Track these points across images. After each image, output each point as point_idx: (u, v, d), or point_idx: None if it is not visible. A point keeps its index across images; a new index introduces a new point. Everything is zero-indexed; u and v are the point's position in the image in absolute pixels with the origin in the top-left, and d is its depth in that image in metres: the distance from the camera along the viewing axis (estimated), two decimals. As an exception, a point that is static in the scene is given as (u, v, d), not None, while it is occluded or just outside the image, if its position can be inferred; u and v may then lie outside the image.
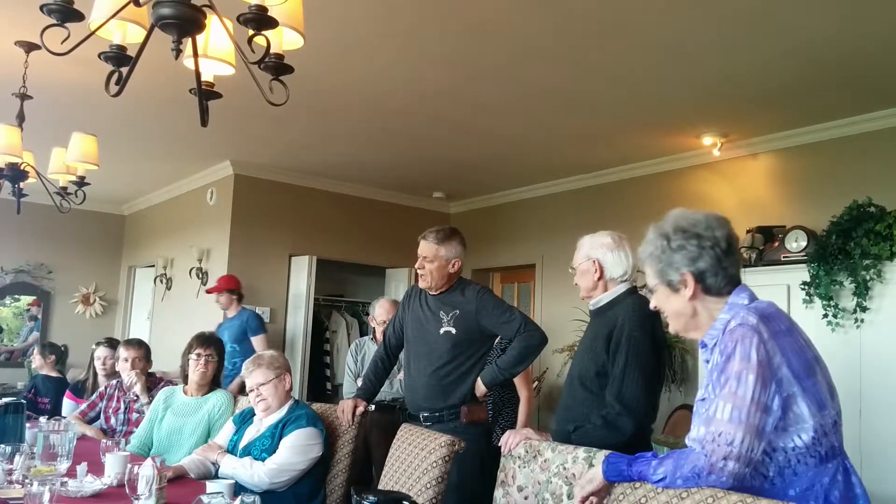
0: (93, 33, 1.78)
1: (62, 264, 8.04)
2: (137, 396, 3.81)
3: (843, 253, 3.91)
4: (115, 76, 1.96)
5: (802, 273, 4.07)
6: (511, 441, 2.16)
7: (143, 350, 3.96)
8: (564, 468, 1.95)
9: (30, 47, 3.58)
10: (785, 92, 4.11)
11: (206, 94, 2.14)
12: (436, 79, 4.13)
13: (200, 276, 6.45)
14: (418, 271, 3.11)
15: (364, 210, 6.92)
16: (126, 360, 3.87)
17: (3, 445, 2.36)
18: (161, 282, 7.22)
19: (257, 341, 5.41)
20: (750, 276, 4.37)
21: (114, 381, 3.99)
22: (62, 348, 5.39)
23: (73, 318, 8.12)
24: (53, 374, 5.11)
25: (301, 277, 6.31)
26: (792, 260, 4.21)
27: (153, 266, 7.57)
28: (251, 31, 1.75)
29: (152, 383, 3.88)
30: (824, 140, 4.69)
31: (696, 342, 4.90)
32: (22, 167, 3.56)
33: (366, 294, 7.37)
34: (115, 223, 8.46)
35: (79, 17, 1.73)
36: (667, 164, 5.58)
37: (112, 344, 4.30)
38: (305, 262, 6.30)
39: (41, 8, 1.69)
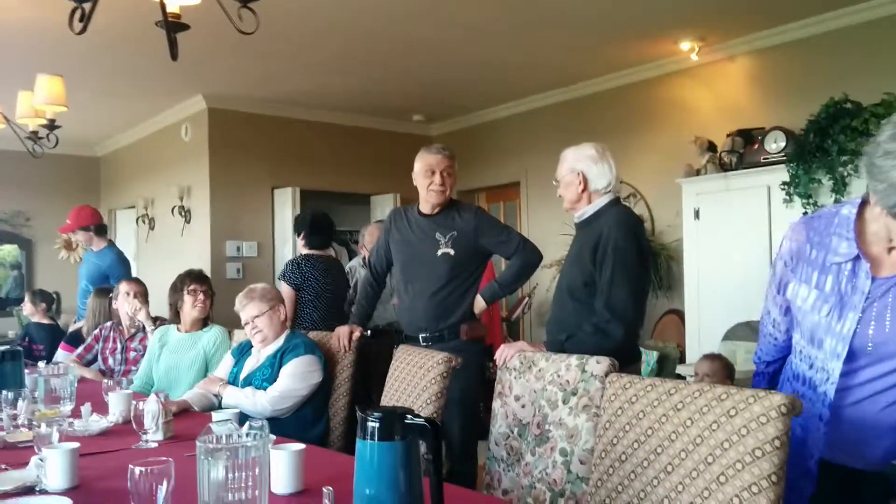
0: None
1: (40, 211, 7.93)
2: (143, 325, 3.84)
3: (820, 151, 3.94)
4: (79, 13, 1.91)
5: (782, 174, 4.11)
6: (506, 354, 2.22)
7: (142, 287, 3.99)
8: (558, 375, 2.01)
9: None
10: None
11: (173, 26, 2.09)
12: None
13: (183, 213, 6.40)
14: (435, 188, 3.02)
15: (344, 137, 6.83)
16: (127, 294, 3.89)
17: (4, 391, 2.39)
18: (143, 222, 7.17)
19: None
20: (731, 180, 4.42)
21: (108, 323, 4.02)
22: (53, 295, 5.39)
23: (58, 265, 8.07)
24: (46, 321, 5.13)
25: (285, 210, 6.28)
26: (771, 161, 4.24)
27: (133, 207, 7.49)
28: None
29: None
30: (800, 39, 4.65)
31: (681, 248, 4.95)
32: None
33: (352, 222, 7.37)
34: (89, 165, 8.31)
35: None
36: (645, 72, 5.52)
37: (101, 292, 4.31)
38: (289, 193, 6.26)
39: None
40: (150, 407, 2.16)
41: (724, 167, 4.53)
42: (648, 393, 1.50)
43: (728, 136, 4.62)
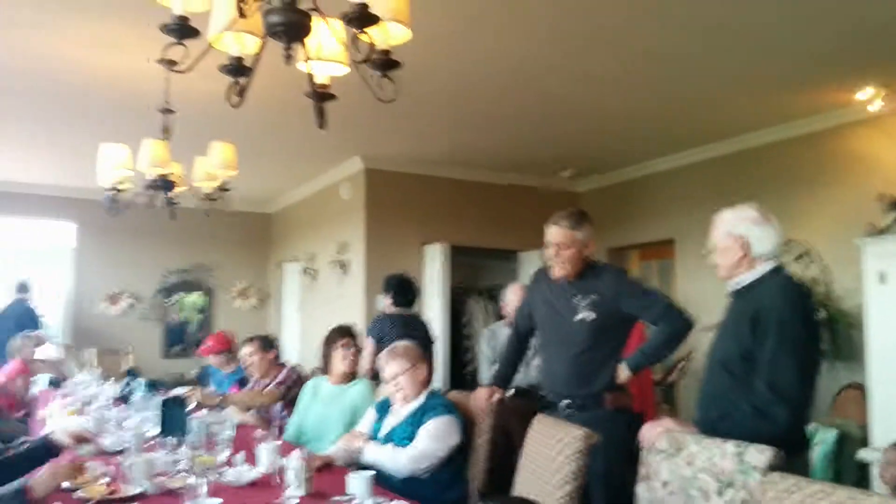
0: (209, 48, 1.85)
1: (219, 263, 8.67)
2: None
3: None
4: (236, 88, 2.04)
5: None
6: (651, 434, 2.06)
7: (257, 343, 4.23)
8: (713, 463, 1.83)
9: (169, 64, 3.81)
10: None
11: (320, 96, 2.18)
12: (542, 55, 4.01)
13: (341, 267, 6.71)
14: (551, 261, 2.96)
15: (492, 194, 6.90)
16: (250, 355, 4.15)
17: (169, 437, 2.55)
18: (307, 274, 7.60)
19: None
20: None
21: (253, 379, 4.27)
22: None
23: (234, 311, 8.76)
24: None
25: (434, 265, 6.40)
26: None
27: (299, 261, 7.98)
28: (355, 30, 1.76)
29: (277, 370, 4.13)
30: None
31: (860, 314, 4.45)
32: (171, 178, 3.82)
33: (499, 278, 7.36)
34: (263, 222, 8.99)
35: (194, 33, 1.80)
36: (815, 124, 5.11)
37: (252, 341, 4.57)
38: (438, 249, 6.38)
39: (161, 28, 1.78)
40: (293, 463, 2.22)
41: (914, 232, 4.05)
42: (820, 501, 1.31)
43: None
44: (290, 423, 3.69)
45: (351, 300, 6.59)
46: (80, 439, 2.20)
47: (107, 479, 2.27)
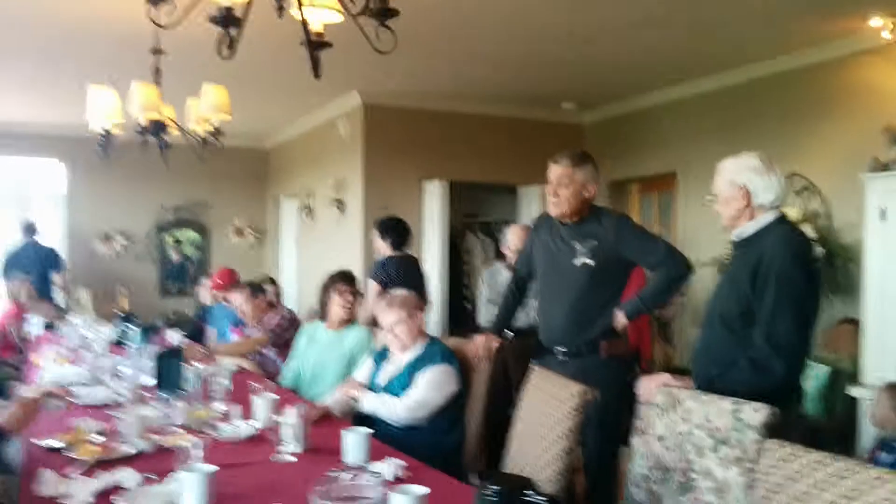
0: (195, 3, 1.75)
1: (216, 199, 8.57)
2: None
3: None
4: (227, 39, 1.94)
5: None
6: (648, 389, 2.05)
7: (247, 290, 4.35)
8: (708, 420, 1.82)
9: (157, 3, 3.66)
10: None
11: (315, 44, 2.09)
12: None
13: (338, 205, 6.64)
14: (551, 199, 2.93)
15: (492, 128, 6.74)
16: (241, 304, 4.17)
17: (161, 394, 2.55)
18: (304, 212, 7.53)
19: None
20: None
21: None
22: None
23: (231, 248, 8.73)
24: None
25: (434, 202, 6.33)
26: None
27: (296, 196, 7.89)
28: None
29: (270, 314, 4.21)
30: None
31: (861, 249, 4.39)
32: (163, 122, 3.72)
33: (499, 213, 7.30)
34: (260, 157, 8.84)
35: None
36: (824, 53, 4.93)
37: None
38: (437, 186, 6.29)
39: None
40: (290, 420, 2.22)
41: (920, 165, 3.96)
42: (815, 472, 1.29)
43: (925, 125, 4.04)
44: (287, 369, 3.71)
45: (349, 239, 6.55)
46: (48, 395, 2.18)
47: (101, 440, 2.27)
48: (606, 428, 2.75)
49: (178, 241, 8.57)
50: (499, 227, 7.14)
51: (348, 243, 6.56)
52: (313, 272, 7.56)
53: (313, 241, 7.50)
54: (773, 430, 1.71)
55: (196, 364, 3.16)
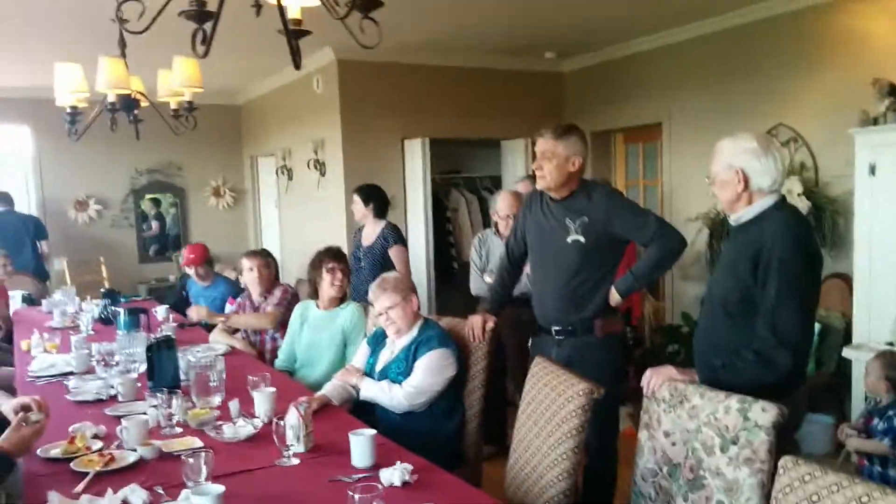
0: (165, 6, 1.63)
1: (190, 160, 8.35)
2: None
3: None
4: (201, 35, 1.83)
5: None
6: (654, 383, 2.04)
7: (260, 258, 4.09)
8: (715, 418, 1.82)
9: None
10: None
11: (294, 33, 1.98)
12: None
13: (318, 167, 6.49)
14: (537, 173, 2.91)
15: (473, 80, 6.57)
16: (251, 270, 4.02)
17: (161, 391, 2.51)
18: (282, 173, 7.37)
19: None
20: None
21: (245, 293, 4.18)
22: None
23: (209, 211, 8.56)
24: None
25: (416, 160, 6.21)
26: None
27: (273, 156, 7.71)
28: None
29: (276, 288, 4.08)
30: None
31: (849, 202, 4.36)
32: (133, 97, 3.56)
33: (483, 168, 7.20)
34: (232, 114, 8.58)
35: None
36: (810, -1, 4.82)
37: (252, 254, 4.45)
38: (419, 144, 6.17)
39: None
40: (291, 421, 2.19)
41: (909, 119, 3.92)
42: (834, 494, 1.29)
43: (917, 78, 3.98)
44: (281, 351, 3.67)
45: (330, 201, 6.44)
46: (25, 408, 2.13)
47: (99, 447, 2.24)
48: (603, 410, 2.75)
49: (155, 204, 8.38)
50: (484, 183, 7.07)
51: (330, 205, 6.45)
52: (295, 234, 7.48)
53: (294, 204, 7.37)
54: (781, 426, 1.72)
55: (190, 352, 3.10)
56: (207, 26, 1.81)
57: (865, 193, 4.09)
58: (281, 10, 2.01)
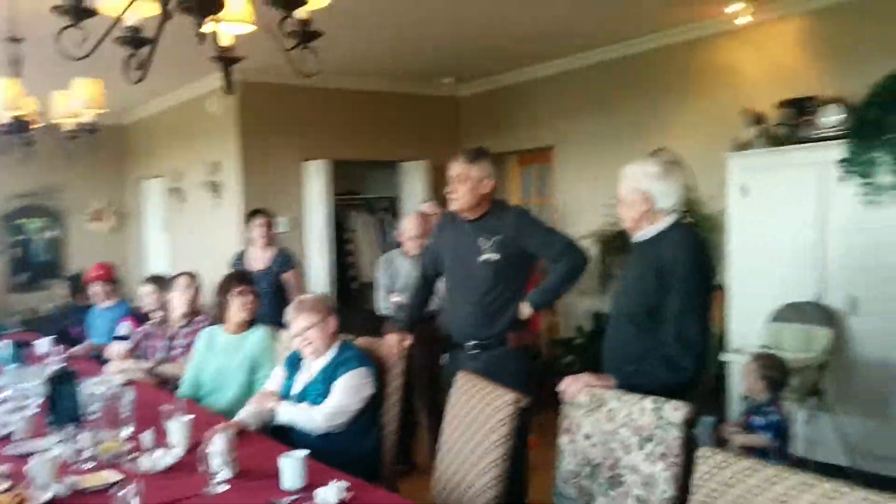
0: (107, 33, 1.61)
1: (69, 182, 7.88)
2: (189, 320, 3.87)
3: (881, 127, 3.75)
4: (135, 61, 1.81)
5: (837, 149, 3.93)
6: (572, 388, 2.17)
7: (188, 278, 3.98)
8: (632, 419, 1.96)
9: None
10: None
11: (228, 60, 1.99)
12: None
13: (214, 189, 6.34)
14: (451, 195, 3.03)
15: (372, 104, 6.65)
16: (187, 288, 3.90)
17: (68, 426, 2.39)
18: (173, 195, 7.13)
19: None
20: (782, 155, 4.26)
21: (152, 321, 4.02)
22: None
23: (89, 235, 8.10)
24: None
25: (316, 182, 6.20)
26: (826, 136, 4.05)
27: (162, 177, 7.44)
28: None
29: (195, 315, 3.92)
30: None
31: (723, 219, 4.69)
32: (27, 118, 3.39)
33: (380, 189, 7.27)
34: (116, 134, 8.19)
35: (90, 14, 1.56)
36: (689, 33, 5.24)
37: (154, 281, 4.31)
38: (320, 166, 6.17)
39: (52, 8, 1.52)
40: (217, 448, 2.15)
41: (774, 141, 4.35)
42: (748, 478, 1.44)
43: (779, 105, 4.43)
44: (184, 379, 3.55)
45: (226, 224, 6.29)
46: None
47: (7, 485, 2.11)
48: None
49: (31, 230, 7.84)
50: (381, 204, 7.14)
51: (226, 228, 6.30)
52: (187, 258, 7.21)
53: (185, 227, 7.13)
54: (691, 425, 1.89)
55: (92, 384, 2.96)
56: (143, 51, 1.79)
57: (737, 212, 4.49)
58: (216, 39, 2.01)
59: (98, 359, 4.06)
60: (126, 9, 1.64)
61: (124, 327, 4.30)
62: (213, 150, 6.39)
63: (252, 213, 4.83)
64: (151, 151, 7.73)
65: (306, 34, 1.80)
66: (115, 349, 4.11)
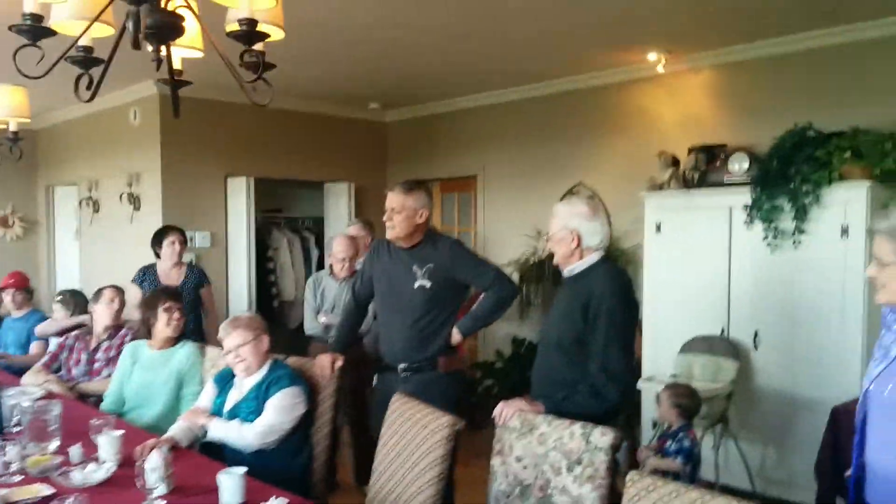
0: (65, 54, 1.63)
1: (-29, 185, 7.48)
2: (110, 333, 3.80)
3: (783, 177, 4.09)
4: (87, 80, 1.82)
5: (744, 195, 4.26)
6: (505, 413, 2.29)
7: (115, 291, 3.90)
8: (561, 442, 2.09)
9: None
10: (730, 6, 4.06)
11: (177, 83, 2.03)
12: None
13: (132, 201, 6.18)
14: (387, 224, 3.13)
15: (299, 124, 6.67)
16: (112, 301, 3.81)
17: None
18: (87, 205, 6.87)
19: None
20: (693, 198, 4.57)
21: (73, 332, 3.90)
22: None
23: (-4, 245, 7.68)
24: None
25: (239, 199, 6.15)
26: (734, 182, 4.39)
27: (75, 185, 7.17)
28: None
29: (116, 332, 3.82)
30: (766, 56, 4.74)
31: (638, 254, 4.96)
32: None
33: (305, 209, 7.27)
34: (27, 139, 7.79)
35: (49, 33, 1.58)
36: (612, 77, 5.56)
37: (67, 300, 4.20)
38: (243, 182, 6.12)
39: (10, 28, 1.53)
40: (153, 464, 2.14)
41: (686, 183, 4.67)
42: (674, 499, 1.59)
43: (690, 151, 4.75)
44: (108, 393, 3.47)
45: (145, 236, 6.11)
46: None
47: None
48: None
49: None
50: (305, 224, 7.13)
51: (143, 240, 6.12)
52: (101, 271, 6.96)
53: (99, 238, 6.88)
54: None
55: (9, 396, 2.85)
56: (95, 72, 1.81)
57: (652, 247, 4.77)
58: (169, 63, 2.04)
59: (9, 369, 3.88)
60: (84, 32, 1.66)
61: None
62: (133, 162, 6.22)
63: (165, 230, 4.78)
64: (64, 159, 7.43)
65: (263, 65, 1.86)
66: (35, 351, 4.00)
